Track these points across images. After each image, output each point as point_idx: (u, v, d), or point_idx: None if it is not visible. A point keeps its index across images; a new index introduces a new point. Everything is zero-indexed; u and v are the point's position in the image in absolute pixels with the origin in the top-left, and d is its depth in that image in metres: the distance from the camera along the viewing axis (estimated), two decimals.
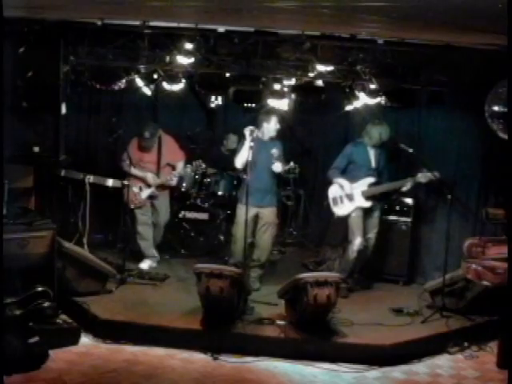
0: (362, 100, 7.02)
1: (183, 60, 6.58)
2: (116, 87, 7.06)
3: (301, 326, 6.13)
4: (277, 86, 6.89)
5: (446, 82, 6.81)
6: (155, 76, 7.04)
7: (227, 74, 6.84)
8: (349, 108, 7.53)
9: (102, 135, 8.29)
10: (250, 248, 7.04)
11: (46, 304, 5.56)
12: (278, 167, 6.90)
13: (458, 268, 6.64)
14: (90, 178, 7.34)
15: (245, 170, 6.83)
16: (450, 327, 6.39)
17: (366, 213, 7.20)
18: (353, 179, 7.17)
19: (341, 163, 7.23)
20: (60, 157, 6.29)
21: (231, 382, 5.48)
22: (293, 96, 7.12)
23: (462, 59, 6.50)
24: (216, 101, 8.18)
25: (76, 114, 8.13)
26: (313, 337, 6.07)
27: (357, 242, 7.06)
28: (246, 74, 6.83)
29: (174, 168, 7.75)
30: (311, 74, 6.81)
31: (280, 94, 6.95)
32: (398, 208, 7.68)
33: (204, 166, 8.28)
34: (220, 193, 8.38)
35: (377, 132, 7.08)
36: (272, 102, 7.02)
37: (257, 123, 6.98)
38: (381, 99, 6.97)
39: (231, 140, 8.51)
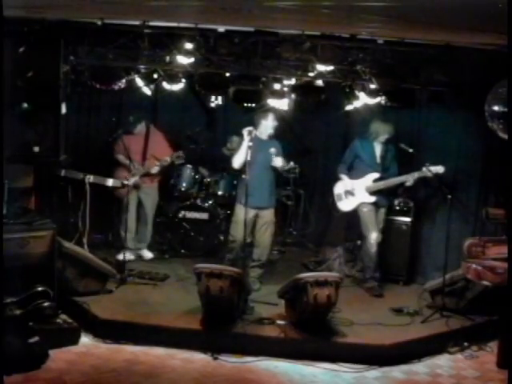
0: (362, 100, 7.03)
1: (183, 60, 6.59)
2: (116, 87, 7.06)
3: (301, 326, 6.12)
4: (277, 86, 6.89)
5: (446, 82, 6.82)
6: (155, 76, 7.04)
7: (227, 74, 6.84)
8: (349, 108, 7.54)
9: (102, 135, 8.31)
10: (249, 248, 7.04)
11: (46, 304, 5.56)
12: (278, 161, 6.92)
13: (458, 268, 6.63)
14: (90, 178, 7.34)
15: (241, 170, 6.85)
16: (450, 327, 6.39)
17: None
18: (359, 174, 7.29)
19: (348, 158, 7.41)
20: (60, 157, 6.29)
21: (231, 382, 5.48)
22: (293, 96, 7.12)
23: (462, 59, 6.50)
24: (216, 101, 8.19)
25: (76, 113, 8.13)
26: (313, 337, 6.07)
27: (373, 236, 7.15)
28: (246, 74, 6.85)
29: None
30: (311, 74, 6.82)
31: (280, 94, 6.95)
32: (398, 208, 7.69)
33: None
34: (220, 193, 8.39)
35: (382, 128, 7.16)
36: (272, 102, 7.02)
37: (254, 122, 7.01)
38: (381, 99, 6.98)
39: (234, 142, 8.51)
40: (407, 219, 7.68)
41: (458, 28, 4.89)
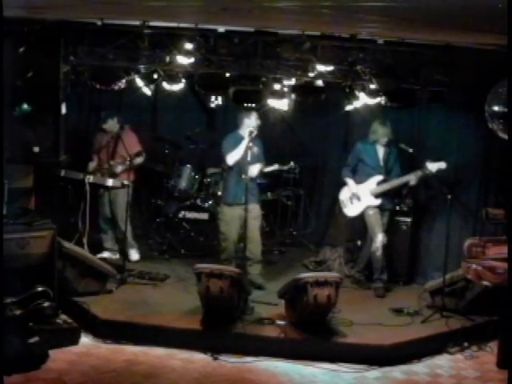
0: (362, 100, 7.02)
1: (183, 60, 6.58)
2: (116, 87, 7.05)
3: (301, 326, 6.13)
4: (277, 86, 6.88)
5: (446, 82, 6.82)
6: (155, 76, 7.03)
7: (227, 74, 6.83)
8: (349, 108, 7.53)
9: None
10: (243, 248, 7.06)
11: (46, 304, 5.57)
12: (253, 171, 7.02)
13: (458, 268, 6.64)
14: (90, 178, 7.34)
15: (224, 169, 7.27)
16: (450, 327, 6.39)
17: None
18: (363, 178, 7.30)
19: (351, 161, 7.41)
20: (60, 157, 6.29)
21: (231, 382, 5.48)
22: (293, 96, 7.12)
23: (462, 59, 6.50)
24: (216, 101, 8.18)
25: (76, 114, 8.13)
26: (313, 337, 6.07)
27: (379, 238, 7.14)
28: (246, 74, 6.84)
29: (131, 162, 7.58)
30: (311, 74, 6.81)
31: (280, 94, 6.94)
32: (398, 208, 7.68)
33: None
34: (220, 193, 8.38)
35: (380, 131, 7.17)
36: (272, 102, 7.02)
37: (237, 122, 7.12)
38: (381, 99, 6.97)
39: None
40: (407, 219, 7.68)
41: (458, 28, 4.89)
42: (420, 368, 5.92)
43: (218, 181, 8.40)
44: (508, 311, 5.33)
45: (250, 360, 5.81)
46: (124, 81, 6.99)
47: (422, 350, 6.12)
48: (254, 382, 5.50)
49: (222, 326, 6.10)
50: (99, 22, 6.12)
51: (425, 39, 6.30)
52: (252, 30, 6.38)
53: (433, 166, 6.98)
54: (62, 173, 7.37)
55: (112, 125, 7.68)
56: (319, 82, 6.92)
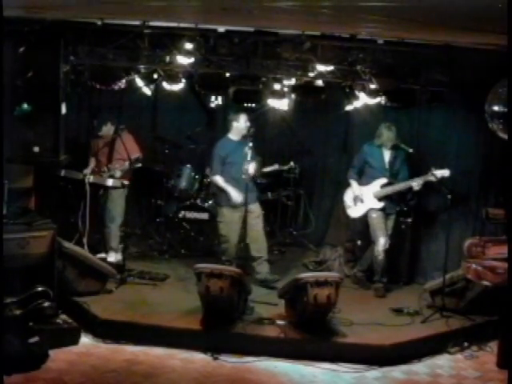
0: (362, 100, 7.03)
1: (183, 60, 6.59)
2: (116, 87, 7.06)
3: (301, 326, 6.13)
4: (277, 86, 6.89)
5: (446, 82, 6.82)
6: (155, 76, 7.04)
7: (227, 74, 6.84)
8: (349, 108, 7.54)
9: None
10: (246, 248, 7.08)
11: (46, 304, 5.57)
12: (250, 170, 7.01)
13: (458, 268, 6.64)
14: (90, 178, 7.34)
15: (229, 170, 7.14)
16: (450, 327, 6.39)
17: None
18: (368, 180, 7.28)
19: (357, 163, 7.40)
20: (60, 157, 6.28)
21: (231, 382, 5.49)
22: (293, 96, 7.12)
23: (462, 59, 6.50)
24: (216, 101, 8.18)
25: (76, 113, 8.13)
26: (313, 337, 6.08)
27: (381, 242, 7.12)
28: (246, 74, 6.85)
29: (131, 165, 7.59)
30: (311, 74, 6.81)
31: (280, 94, 6.95)
32: (398, 208, 7.67)
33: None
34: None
35: (385, 136, 7.15)
36: (272, 102, 7.03)
37: (227, 124, 7.20)
38: (381, 99, 6.97)
39: None
40: (407, 219, 7.67)
41: (457, 28, 4.88)
42: (420, 368, 5.92)
43: None
44: (508, 311, 5.34)
45: (250, 360, 5.81)
46: (124, 81, 6.99)
47: (422, 349, 6.12)
48: (254, 382, 5.51)
49: (221, 326, 6.10)
50: (99, 22, 6.11)
51: (425, 39, 6.29)
52: (252, 30, 6.37)
53: (437, 173, 6.97)
54: (62, 173, 7.38)
55: (106, 130, 7.68)
56: (319, 82, 6.92)
